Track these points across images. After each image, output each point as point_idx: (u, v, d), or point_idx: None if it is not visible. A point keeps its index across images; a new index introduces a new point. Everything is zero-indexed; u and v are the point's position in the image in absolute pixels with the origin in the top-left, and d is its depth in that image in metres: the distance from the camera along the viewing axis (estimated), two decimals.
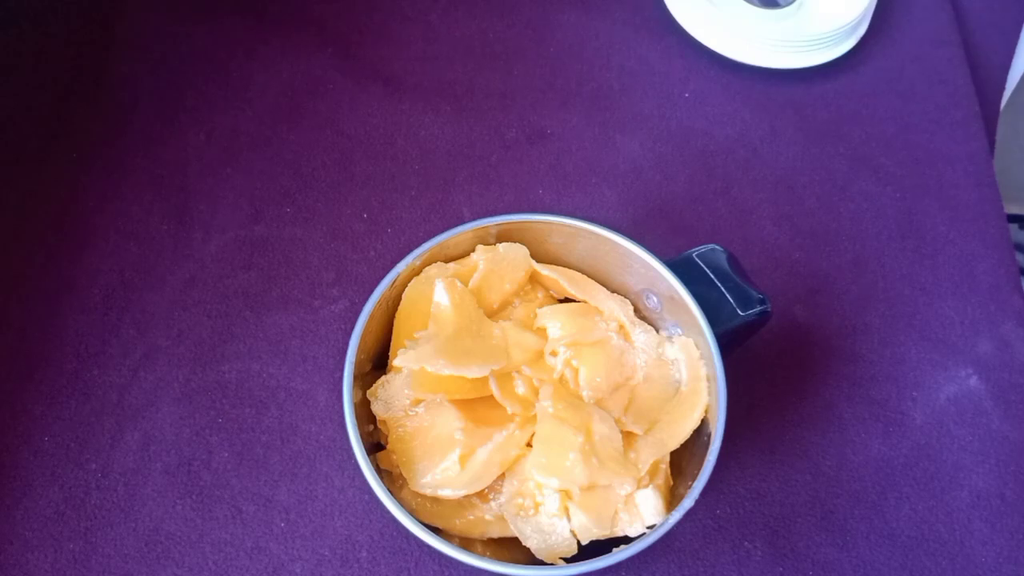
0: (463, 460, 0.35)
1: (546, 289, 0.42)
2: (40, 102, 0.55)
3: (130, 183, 0.52)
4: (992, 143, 0.60)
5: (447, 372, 0.35)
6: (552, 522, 0.35)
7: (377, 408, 0.37)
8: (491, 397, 0.36)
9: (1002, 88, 0.63)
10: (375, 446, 0.39)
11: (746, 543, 0.42)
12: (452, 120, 0.55)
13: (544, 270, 0.41)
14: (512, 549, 0.36)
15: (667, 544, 0.42)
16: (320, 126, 0.54)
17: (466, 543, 0.36)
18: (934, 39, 0.60)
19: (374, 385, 0.38)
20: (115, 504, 0.42)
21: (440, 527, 0.36)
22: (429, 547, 0.33)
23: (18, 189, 0.51)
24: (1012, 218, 1.08)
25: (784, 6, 0.58)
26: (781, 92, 0.57)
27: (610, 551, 0.33)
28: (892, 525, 0.43)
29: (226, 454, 0.44)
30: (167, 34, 0.58)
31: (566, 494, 0.35)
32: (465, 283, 0.39)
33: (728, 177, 0.53)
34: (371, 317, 0.37)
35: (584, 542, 0.35)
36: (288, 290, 0.48)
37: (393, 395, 0.37)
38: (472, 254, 0.41)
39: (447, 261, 0.41)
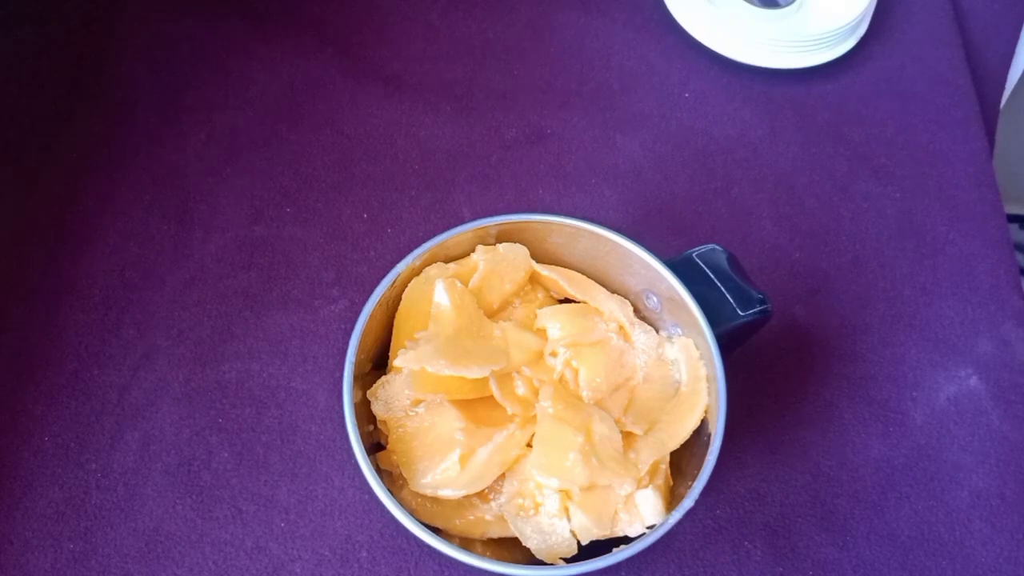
0: (463, 460, 0.35)
1: (546, 289, 0.42)
2: (40, 102, 0.55)
3: (130, 183, 0.52)
4: (992, 143, 0.60)
5: (447, 372, 0.35)
6: (552, 522, 0.35)
7: (377, 408, 0.37)
8: (491, 397, 0.36)
9: (1002, 88, 0.63)
10: (375, 446, 0.39)
11: (746, 543, 0.42)
12: (452, 120, 0.55)
13: (544, 270, 0.41)
14: (512, 549, 0.36)
15: (667, 544, 0.42)
16: (320, 126, 0.54)
17: (466, 543, 0.36)
18: (934, 39, 0.60)
19: (374, 385, 0.38)
20: (115, 504, 0.42)
21: (440, 527, 0.36)
22: (429, 547, 0.33)
23: (18, 189, 0.51)
24: (1012, 218, 1.08)
25: (784, 6, 0.58)
26: (781, 92, 0.57)
27: (610, 551, 0.33)
28: (892, 525, 0.43)
29: (226, 454, 0.44)
30: (167, 34, 0.58)
31: (566, 494, 0.35)
32: (465, 283, 0.39)
33: (728, 177, 0.53)
34: (371, 317, 0.37)
35: (584, 542, 0.35)
36: (288, 290, 0.48)
37: (393, 395, 0.37)
38: (472, 254, 0.41)
39: (447, 261, 0.41)
